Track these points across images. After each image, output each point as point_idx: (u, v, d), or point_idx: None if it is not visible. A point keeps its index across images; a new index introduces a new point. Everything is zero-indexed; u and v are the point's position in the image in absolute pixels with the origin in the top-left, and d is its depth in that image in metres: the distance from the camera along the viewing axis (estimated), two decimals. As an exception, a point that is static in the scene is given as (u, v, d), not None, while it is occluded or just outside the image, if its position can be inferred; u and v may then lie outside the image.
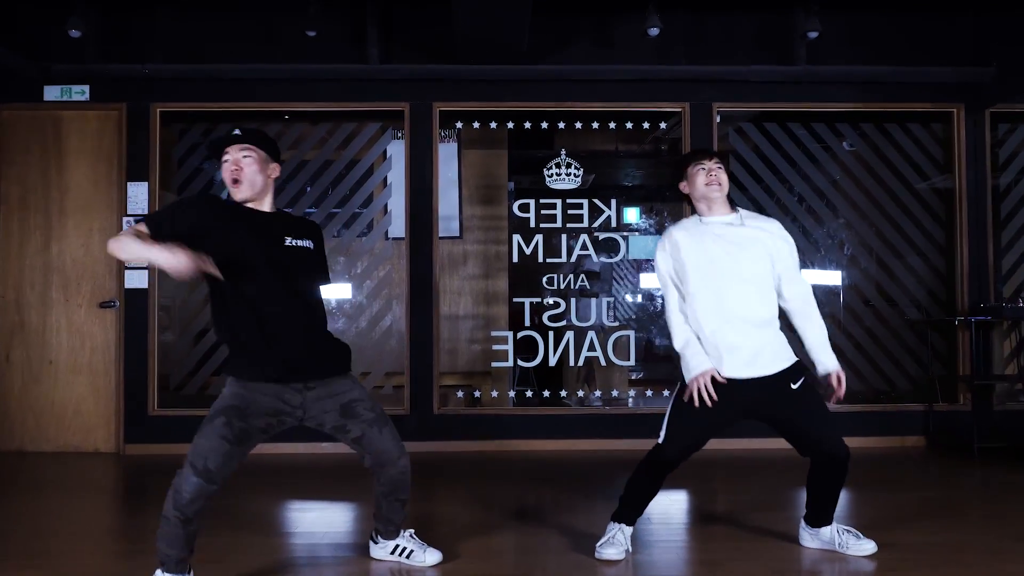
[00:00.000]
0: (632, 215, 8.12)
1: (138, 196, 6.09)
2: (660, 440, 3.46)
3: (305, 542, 3.86)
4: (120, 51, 6.11)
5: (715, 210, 3.52)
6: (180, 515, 2.89)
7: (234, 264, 2.96)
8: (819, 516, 3.62)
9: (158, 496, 4.64)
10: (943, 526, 4.03)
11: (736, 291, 3.44)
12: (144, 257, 2.83)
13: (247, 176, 3.08)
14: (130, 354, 6.04)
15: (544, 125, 6.34)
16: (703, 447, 3.47)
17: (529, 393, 6.40)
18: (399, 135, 6.44)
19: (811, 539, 3.67)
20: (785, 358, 3.47)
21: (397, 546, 3.42)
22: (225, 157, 3.11)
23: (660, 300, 6.72)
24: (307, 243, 3.18)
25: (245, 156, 3.09)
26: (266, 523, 4.17)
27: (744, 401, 3.41)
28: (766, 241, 3.52)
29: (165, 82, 6.12)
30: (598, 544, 3.55)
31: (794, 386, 3.43)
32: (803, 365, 3.49)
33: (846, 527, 3.65)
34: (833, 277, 6.66)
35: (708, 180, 3.47)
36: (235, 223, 3.06)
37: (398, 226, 6.35)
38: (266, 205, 3.17)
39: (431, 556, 3.38)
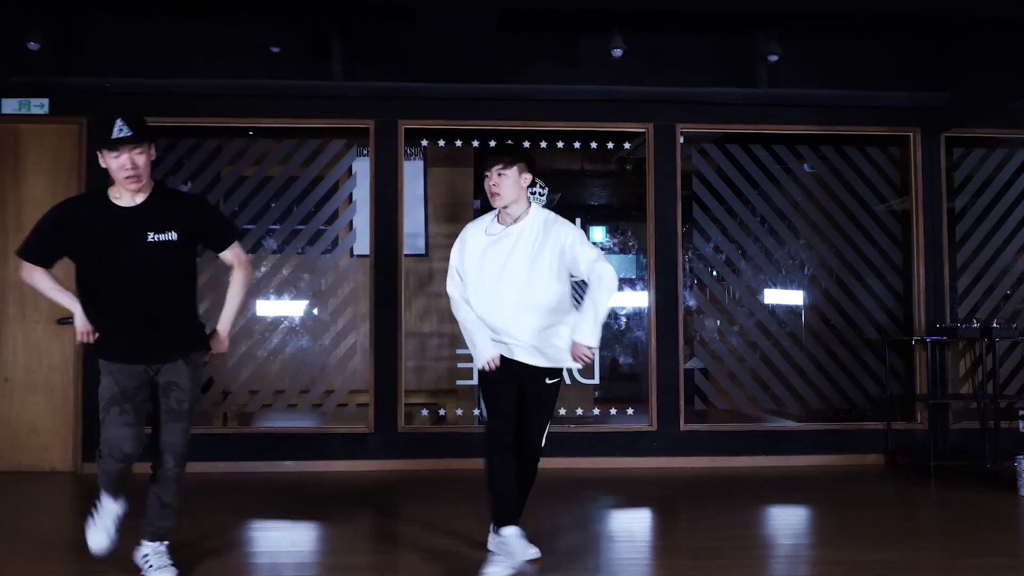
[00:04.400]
0: (598, 233, 8.18)
1: (98, 211, 6.00)
2: None
3: (268, 561, 3.82)
4: (80, 64, 6.04)
5: None
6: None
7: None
8: None
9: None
10: (897, 543, 4.10)
11: None
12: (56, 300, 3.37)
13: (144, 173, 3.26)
14: (89, 371, 5.93)
15: (510, 143, 6.36)
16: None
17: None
18: (364, 152, 6.43)
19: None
20: None
21: (146, 554, 3.47)
22: (118, 156, 3.19)
23: (624, 319, 6.76)
24: (171, 235, 3.28)
25: (140, 154, 3.22)
26: (229, 542, 4.11)
27: None
28: None
29: (126, 96, 6.05)
30: None
31: None
32: None
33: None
34: (794, 297, 6.74)
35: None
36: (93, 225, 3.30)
37: (363, 243, 6.33)
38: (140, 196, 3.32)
39: (165, 574, 3.41)
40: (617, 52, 5.90)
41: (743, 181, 6.50)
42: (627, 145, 6.49)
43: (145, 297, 3.28)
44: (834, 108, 6.38)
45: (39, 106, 6.07)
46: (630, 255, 7.72)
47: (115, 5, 5.92)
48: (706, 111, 6.33)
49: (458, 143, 6.46)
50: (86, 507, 5.05)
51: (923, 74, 6.38)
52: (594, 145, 6.47)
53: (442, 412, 6.26)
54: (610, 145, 6.50)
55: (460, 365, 6.34)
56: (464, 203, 7.26)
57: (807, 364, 6.52)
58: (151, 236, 3.25)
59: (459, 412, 6.27)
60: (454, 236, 7.18)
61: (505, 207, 3.70)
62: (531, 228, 3.69)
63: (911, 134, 6.44)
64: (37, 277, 3.38)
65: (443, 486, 5.43)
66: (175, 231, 3.28)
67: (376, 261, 6.15)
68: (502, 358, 3.67)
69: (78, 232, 3.29)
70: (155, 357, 3.32)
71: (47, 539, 4.26)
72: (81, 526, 4.67)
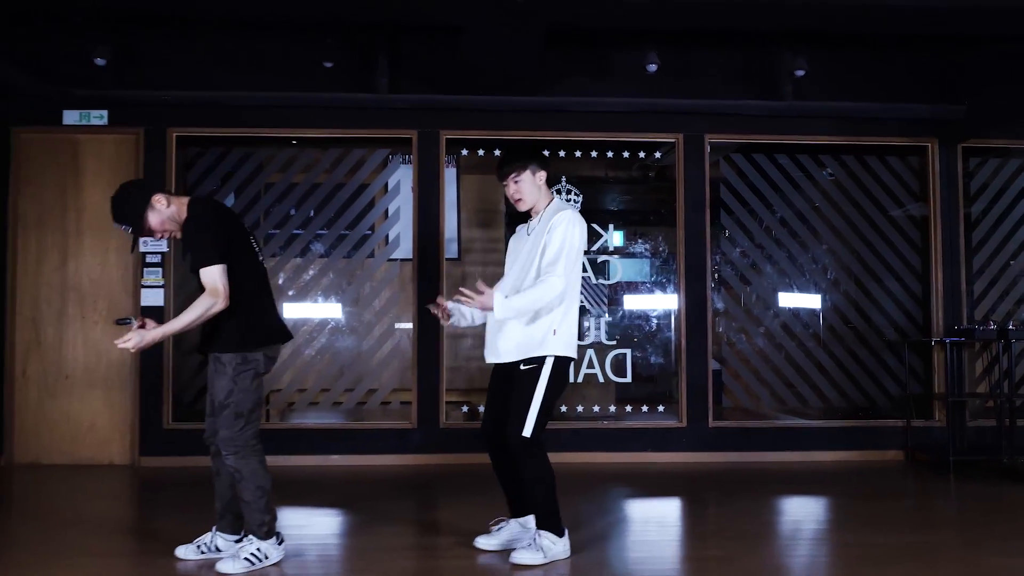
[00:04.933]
0: (618, 238, 8.46)
1: (155, 217, 6.29)
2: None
3: (317, 542, 4.10)
4: (137, 76, 6.33)
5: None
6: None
7: None
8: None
9: (172, 505, 4.88)
10: (917, 530, 4.37)
11: None
12: None
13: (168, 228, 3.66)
14: (146, 369, 6.24)
15: (545, 153, 6.65)
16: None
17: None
18: (403, 160, 6.73)
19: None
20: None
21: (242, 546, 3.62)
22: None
23: (655, 320, 7.04)
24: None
25: (153, 228, 3.60)
26: (279, 527, 4.39)
27: None
28: None
29: (181, 108, 6.35)
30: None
31: None
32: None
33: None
34: (816, 299, 7.02)
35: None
36: None
37: (405, 248, 6.62)
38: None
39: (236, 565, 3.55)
40: (652, 67, 6.19)
41: (768, 188, 6.78)
42: (657, 154, 6.79)
43: None
44: (855, 120, 6.66)
45: (99, 117, 6.38)
46: (649, 259, 7.98)
47: (173, 23, 6.21)
48: (733, 122, 6.62)
49: (496, 152, 6.75)
50: (142, 497, 5.38)
51: (941, 88, 6.66)
52: (626, 154, 6.76)
53: (481, 409, 6.54)
54: (642, 154, 6.79)
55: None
56: (495, 209, 7.56)
57: (829, 364, 6.79)
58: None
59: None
60: (486, 241, 7.62)
61: (531, 208, 3.83)
62: (541, 223, 3.77)
63: (929, 144, 6.72)
64: None
65: (482, 479, 5.69)
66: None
67: (419, 265, 6.44)
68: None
69: None
70: (201, 350, 3.70)
71: (107, 526, 4.48)
72: (138, 514, 4.97)
